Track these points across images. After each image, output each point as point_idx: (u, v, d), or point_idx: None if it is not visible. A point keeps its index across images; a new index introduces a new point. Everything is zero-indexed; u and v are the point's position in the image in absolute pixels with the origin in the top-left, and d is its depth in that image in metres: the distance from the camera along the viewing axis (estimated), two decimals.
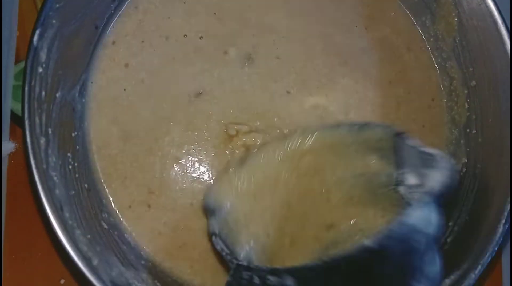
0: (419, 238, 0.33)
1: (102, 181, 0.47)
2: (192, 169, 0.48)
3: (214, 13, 0.49)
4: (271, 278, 0.34)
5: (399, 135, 0.41)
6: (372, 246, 0.32)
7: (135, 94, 0.48)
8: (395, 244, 0.33)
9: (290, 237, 0.42)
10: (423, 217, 0.34)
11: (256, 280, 0.35)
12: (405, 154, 0.40)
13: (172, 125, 0.48)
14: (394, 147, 0.41)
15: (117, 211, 0.47)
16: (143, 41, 0.49)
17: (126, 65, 0.48)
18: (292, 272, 0.34)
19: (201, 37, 0.49)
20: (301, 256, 0.40)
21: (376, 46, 0.51)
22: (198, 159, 0.48)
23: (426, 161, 0.39)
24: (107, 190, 0.47)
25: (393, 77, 0.51)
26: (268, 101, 0.49)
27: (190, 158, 0.48)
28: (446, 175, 0.37)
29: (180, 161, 0.48)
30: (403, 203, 0.39)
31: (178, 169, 0.48)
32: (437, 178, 0.37)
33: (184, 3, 0.49)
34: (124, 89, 0.48)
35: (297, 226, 0.42)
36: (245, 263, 0.38)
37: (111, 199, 0.47)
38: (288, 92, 0.49)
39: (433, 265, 0.34)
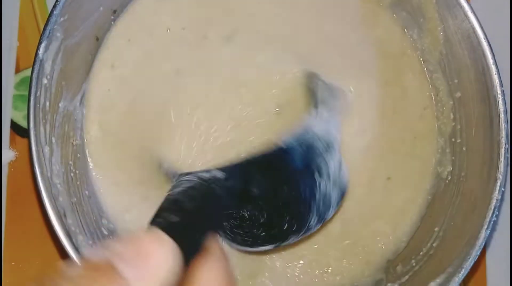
0: (319, 143, 0.43)
1: (101, 187, 0.48)
2: (187, 161, 0.48)
3: (198, 6, 0.50)
4: (205, 174, 0.38)
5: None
6: (281, 146, 0.42)
7: (118, 93, 0.49)
8: (300, 146, 0.43)
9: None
10: (324, 129, 0.45)
11: (193, 178, 0.38)
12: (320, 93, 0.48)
13: (158, 123, 0.48)
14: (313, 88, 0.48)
15: (116, 217, 0.48)
16: (129, 40, 0.49)
17: (112, 66, 0.49)
18: (222, 169, 0.39)
19: (183, 29, 0.50)
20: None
21: (371, 44, 0.52)
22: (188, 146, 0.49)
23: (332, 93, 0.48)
24: (105, 196, 0.48)
25: (389, 78, 0.52)
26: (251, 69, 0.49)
27: (180, 148, 0.48)
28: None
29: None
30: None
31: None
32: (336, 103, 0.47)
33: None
34: (109, 90, 0.49)
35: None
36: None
37: (109, 204, 0.48)
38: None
39: (332, 162, 0.43)
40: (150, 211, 0.46)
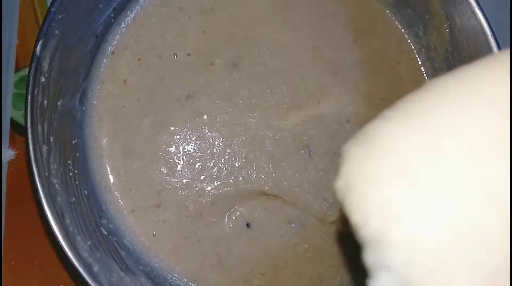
0: None
1: (103, 188, 0.47)
2: (198, 170, 0.48)
3: (203, 32, 0.50)
4: None
5: None
6: None
7: (133, 112, 0.49)
8: None
9: None
10: None
11: None
12: None
13: (169, 134, 0.49)
14: None
15: (118, 217, 0.47)
16: (139, 59, 0.49)
17: (125, 82, 0.49)
18: None
19: (188, 55, 0.50)
20: None
21: (366, 59, 0.52)
22: (203, 159, 0.49)
23: None
24: (108, 197, 0.48)
25: (383, 94, 0.52)
26: (256, 106, 0.50)
27: (193, 160, 0.49)
28: None
29: (185, 167, 0.48)
30: None
31: (184, 175, 0.48)
32: None
33: (178, 21, 0.50)
34: (123, 107, 0.49)
35: None
36: None
37: (112, 205, 0.47)
38: (272, 92, 0.50)
39: None
40: (159, 214, 0.47)
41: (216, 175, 0.48)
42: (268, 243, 0.49)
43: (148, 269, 0.47)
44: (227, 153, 0.49)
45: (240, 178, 0.49)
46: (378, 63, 0.52)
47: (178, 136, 0.49)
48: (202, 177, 0.48)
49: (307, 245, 0.49)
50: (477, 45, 0.46)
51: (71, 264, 0.40)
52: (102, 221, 0.46)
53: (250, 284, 0.48)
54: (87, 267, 0.40)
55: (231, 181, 0.48)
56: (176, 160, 0.48)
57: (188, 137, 0.49)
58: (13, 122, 0.53)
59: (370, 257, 0.23)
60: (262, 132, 0.49)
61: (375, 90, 0.51)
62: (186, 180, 0.48)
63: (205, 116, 0.49)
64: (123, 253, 0.46)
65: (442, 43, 0.50)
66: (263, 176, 0.49)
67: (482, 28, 0.46)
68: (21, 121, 0.53)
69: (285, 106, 0.50)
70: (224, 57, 0.50)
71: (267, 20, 0.51)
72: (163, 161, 0.48)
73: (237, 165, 0.49)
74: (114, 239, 0.46)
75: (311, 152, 0.49)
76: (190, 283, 0.47)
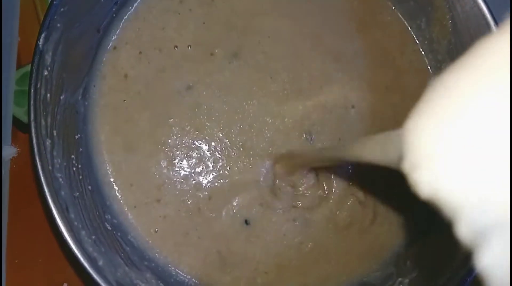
0: None
1: (106, 183, 0.47)
2: (195, 163, 0.48)
3: (203, 23, 0.50)
4: None
5: None
6: None
7: (133, 106, 0.48)
8: None
9: None
10: None
11: None
12: None
13: (168, 127, 0.48)
14: None
15: (121, 213, 0.47)
16: (140, 53, 0.49)
17: (126, 76, 0.49)
18: None
19: (189, 46, 0.50)
20: None
21: (369, 49, 0.52)
22: (200, 151, 0.48)
23: None
24: (111, 193, 0.47)
25: (389, 83, 0.51)
26: (255, 94, 0.49)
27: (191, 152, 0.48)
28: None
29: (183, 159, 0.48)
30: None
31: (183, 168, 0.48)
32: None
33: (179, 13, 0.50)
34: (124, 101, 0.48)
35: None
36: None
37: (115, 201, 0.47)
38: (273, 79, 0.50)
39: None
40: (161, 209, 0.47)
41: (212, 166, 0.48)
42: (270, 242, 0.48)
43: (153, 264, 0.46)
44: (223, 144, 0.48)
45: (236, 169, 0.48)
46: (381, 54, 0.52)
47: (177, 128, 0.48)
48: (199, 170, 0.48)
49: (312, 244, 0.48)
50: (480, 36, 0.46)
51: (76, 259, 0.39)
52: (106, 216, 0.46)
53: (254, 282, 0.47)
54: (92, 261, 0.40)
55: (226, 172, 0.48)
56: (175, 153, 0.48)
57: (186, 128, 0.48)
58: (15, 120, 0.53)
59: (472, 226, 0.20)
60: (260, 119, 0.49)
61: (379, 79, 0.51)
62: (184, 173, 0.48)
63: (204, 107, 0.49)
64: (127, 248, 0.45)
65: (445, 35, 0.50)
66: (259, 166, 0.48)
67: (485, 19, 0.45)
68: (23, 118, 0.53)
69: (285, 92, 0.49)
70: (224, 47, 0.50)
71: (268, 10, 0.51)
72: (163, 154, 0.48)
73: (233, 155, 0.48)
74: (119, 234, 0.46)
75: (313, 137, 0.49)
76: (193, 279, 0.47)
